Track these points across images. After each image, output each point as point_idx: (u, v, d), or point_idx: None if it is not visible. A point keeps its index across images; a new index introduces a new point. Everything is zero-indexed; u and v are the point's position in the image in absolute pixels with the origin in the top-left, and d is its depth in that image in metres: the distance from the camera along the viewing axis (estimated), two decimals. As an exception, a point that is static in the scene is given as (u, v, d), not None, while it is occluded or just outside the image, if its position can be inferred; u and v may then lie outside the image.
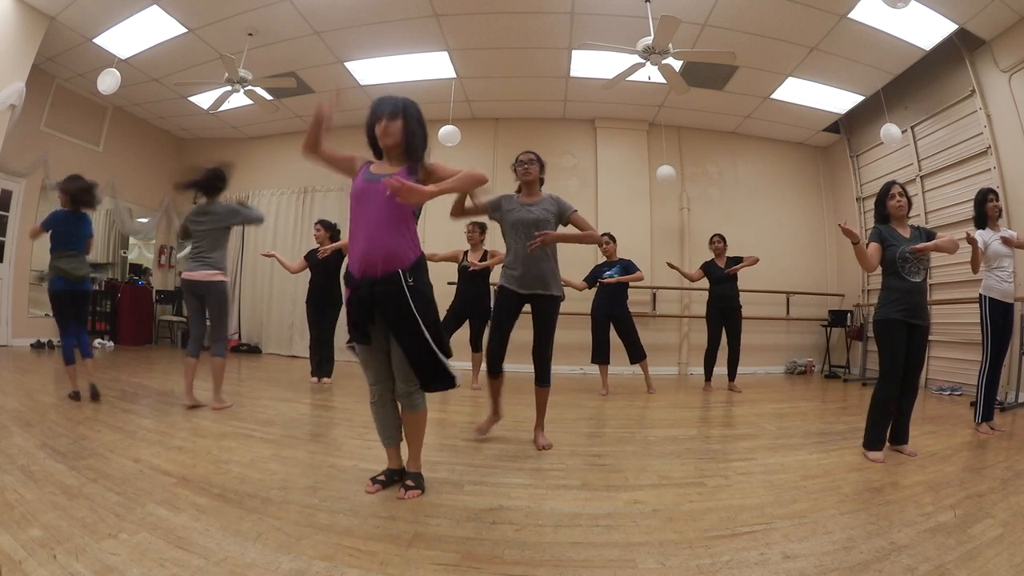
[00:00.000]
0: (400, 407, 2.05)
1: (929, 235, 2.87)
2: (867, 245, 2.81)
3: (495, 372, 2.83)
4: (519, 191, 2.90)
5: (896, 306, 2.75)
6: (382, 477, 2.05)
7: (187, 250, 8.96)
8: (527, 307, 2.85)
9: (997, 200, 3.55)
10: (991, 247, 3.48)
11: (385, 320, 1.90)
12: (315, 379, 4.86)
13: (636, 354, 4.94)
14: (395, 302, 1.86)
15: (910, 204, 2.88)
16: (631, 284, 5.02)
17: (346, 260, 4.77)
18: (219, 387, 3.51)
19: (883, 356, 2.80)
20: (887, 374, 2.77)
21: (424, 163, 2.00)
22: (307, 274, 5.01)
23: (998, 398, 4.46)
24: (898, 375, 2.75)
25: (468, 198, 2.67)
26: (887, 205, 2.88)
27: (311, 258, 4.91)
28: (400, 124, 1.97)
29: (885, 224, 2.88)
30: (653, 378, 5.09)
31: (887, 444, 2.82)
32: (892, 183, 2.90)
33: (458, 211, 2.73)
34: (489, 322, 4.75)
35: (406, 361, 1.93)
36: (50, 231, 3.50)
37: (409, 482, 2.00)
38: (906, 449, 2.81)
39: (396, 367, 1.98)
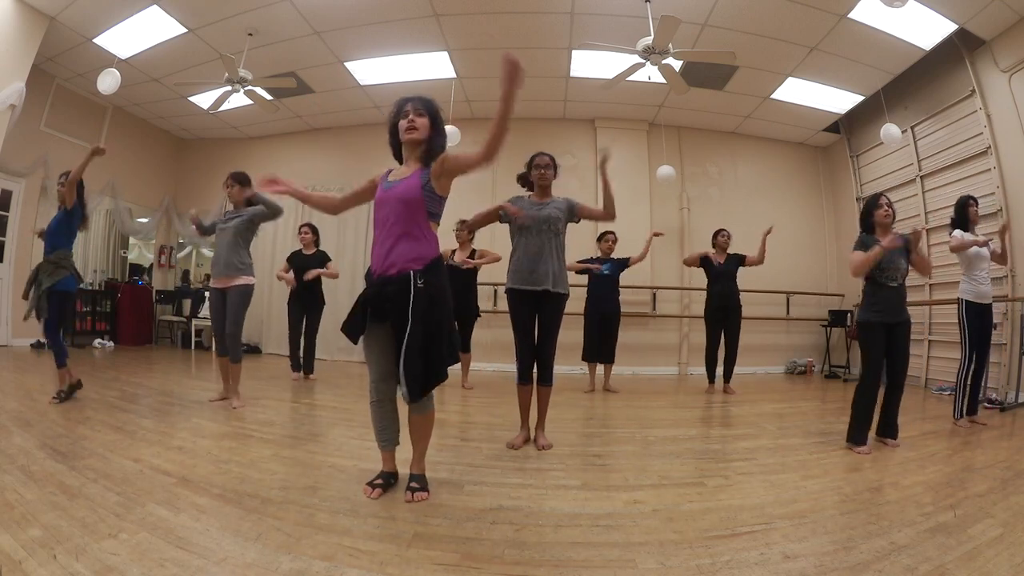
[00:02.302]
0: (408, 408, 2.00)
1: (905, 240, 3.05)
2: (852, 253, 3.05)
3: (526, 379, 2.80)
4: (530, 193, 2.92)
5: (875, 309, 2.99)
6: (380, 481, 2.00)
7: (186, 251, 8.99)
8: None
9: (976, 205, 3.82)
10: (972, 250, 3.71)
11: (390, 319, 1.89)
12: (297, 375, 5.09)
13: (609, 356, 5.00)
14: (399, 302, 1.86)
15: (894, 215, 3.10)
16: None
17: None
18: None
19: (864, 355, 3.04)
20: (869, 372, 2.99)
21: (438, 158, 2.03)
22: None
23: (997, 398, 4.49)
24: (879, 372, 2.97)
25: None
26: (875, 215, 3.07)
27: (295, 260, 5.14)
28: (427, 121, 1.99)
29: (871, 234, 3.07)
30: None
31: (873, 436, 3.01)
32: (880, 195, 3.13)
33: (482, 223, 2.91)
34: (476, 321, 4.86)
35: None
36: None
37: (414, 484, 1.98)
38: (890, 442, 2.98)
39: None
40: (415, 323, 1.84)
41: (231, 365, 3.58)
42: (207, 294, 7.27)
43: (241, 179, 3.65)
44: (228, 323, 3.54)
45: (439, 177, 1.97)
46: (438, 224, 2.02)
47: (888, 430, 3.01)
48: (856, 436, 2.89)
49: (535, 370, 2.81)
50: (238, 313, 3.56)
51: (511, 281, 2.79)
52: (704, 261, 5.20)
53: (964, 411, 3.67)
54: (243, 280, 3.56)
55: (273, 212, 3.61)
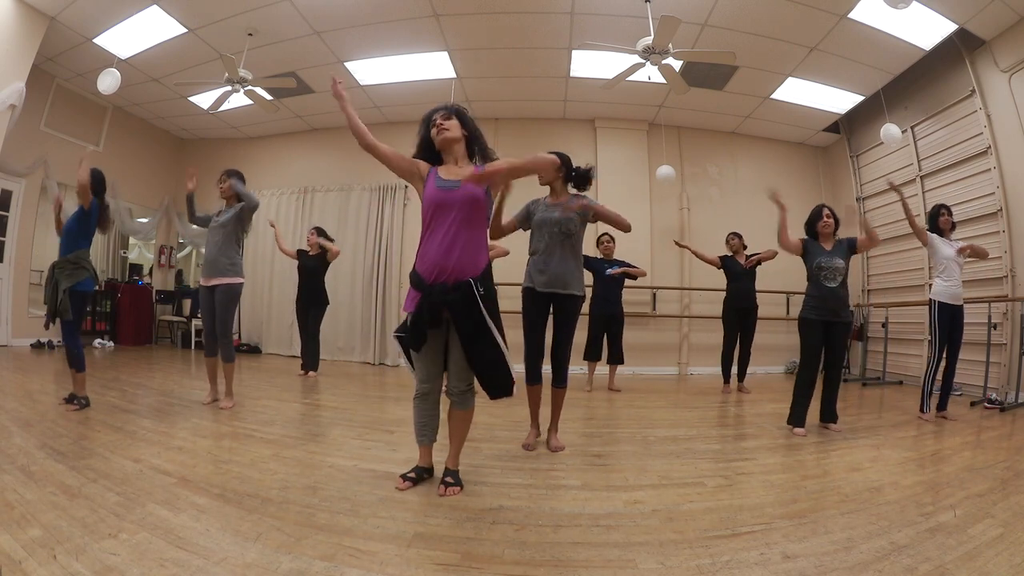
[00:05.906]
0: (450, 404, 2.10)
1: (851, 243, 3.45)
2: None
3: (535, 379, 2.78)
4: (546, 195, 2.89)
5: (811, 307, 3.36)
6: (412, 475, 2.09)
7: (186, 251, 8.97)
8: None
9: (949, 215, 3.98)
10: (940, 252, 3.88)
11: (458, 328, 1.94)
12: (302, 373, 5.25)
13: (619, 357, 5.07)
14: (469, 311, 1.90)
15: (837, 224, 3.49)
16: (628, 283, 5.07)
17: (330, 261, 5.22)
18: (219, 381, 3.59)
19: (802, 348, 3.40)
20: (804, 362, 3.36)
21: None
22: (296, 277, 5.44)
23: (997, 398, 4.49)
24: (815, 364, 3.34)
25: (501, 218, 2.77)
26: (816, 225, 3.51)
27: (300, 258, 5.40)
28: (456, 122, 2.10)
29: (814, 240, 3.51)
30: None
31: (819, 423, 3.43)
32: (823, 206, 3.56)
33: (497, 232, 2.75)
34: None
35: (467, 364, 1.99)
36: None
37: (448, 479, 2.04)
38: (832, 427, 3.34)
39: (453, 367, 2.03)
40: (487, 330, 1.92)
41: (224, 364, 3.54)
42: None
43: (233, 174, 3.63)
44: (217, 322, 3.51)
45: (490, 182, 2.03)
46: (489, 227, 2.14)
47: (828, 416, 3.39)
48: (797, 420, 3.28)
49: (545, 371, 2.79)
50: (226, 312, 3.53)
51: (526, 280, 2.79)
52: (725, 261, 5.23)
53: (931, 406, 3.86)
54: (229, 280, 3.52)
55: (251, 203, 3.56)
